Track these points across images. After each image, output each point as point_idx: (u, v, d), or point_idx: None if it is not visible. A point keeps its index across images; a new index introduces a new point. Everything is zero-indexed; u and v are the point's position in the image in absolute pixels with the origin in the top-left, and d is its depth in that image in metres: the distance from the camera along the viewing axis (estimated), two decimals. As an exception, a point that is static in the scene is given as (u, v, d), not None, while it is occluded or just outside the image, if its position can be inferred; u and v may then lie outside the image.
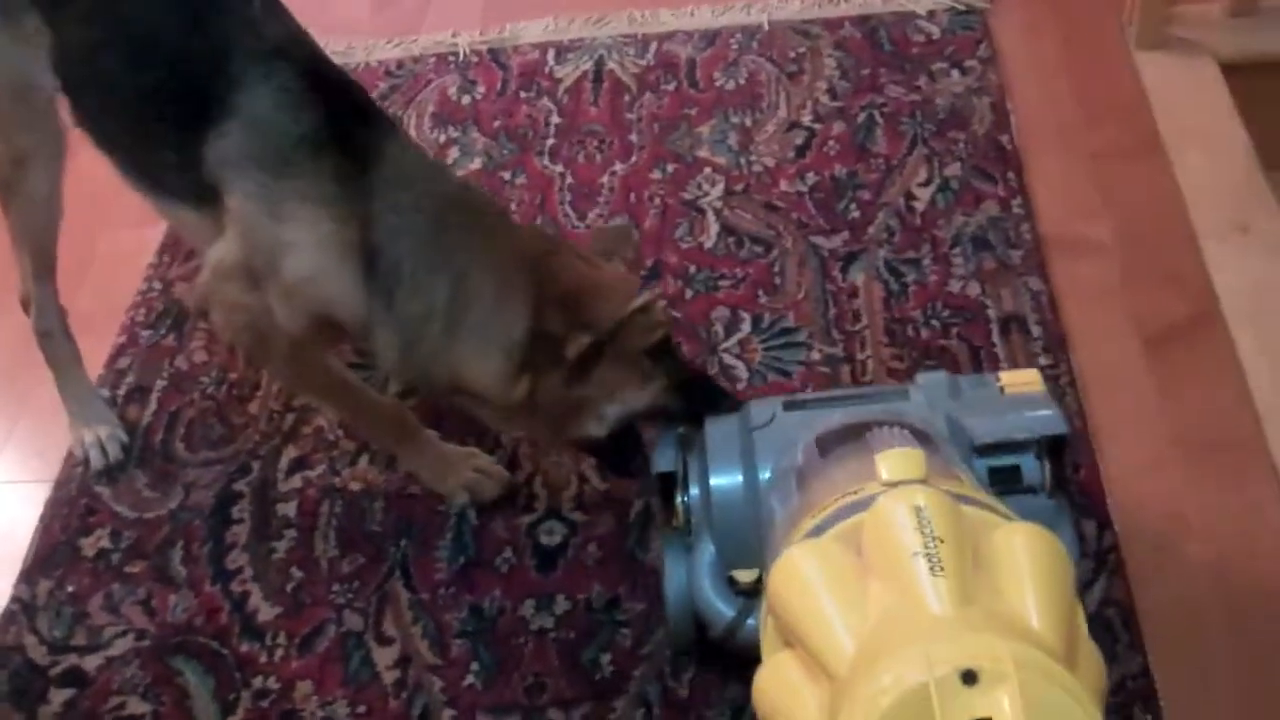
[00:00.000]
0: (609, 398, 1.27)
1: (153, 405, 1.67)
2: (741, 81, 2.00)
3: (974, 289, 1.62)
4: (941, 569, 0.78)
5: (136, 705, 1.35)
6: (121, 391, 1.69)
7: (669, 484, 1.21)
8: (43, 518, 1.56)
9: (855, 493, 0.91)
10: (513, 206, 1.83)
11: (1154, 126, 1.80)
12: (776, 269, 1.69)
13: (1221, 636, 1.25)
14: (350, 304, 1.28)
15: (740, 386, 1.54)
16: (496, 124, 2.00)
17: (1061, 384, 1.48)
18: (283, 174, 1.27)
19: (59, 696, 1.37)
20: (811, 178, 1.81)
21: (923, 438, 1.03)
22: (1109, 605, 1.27)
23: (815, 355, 1.58)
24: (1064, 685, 0.73)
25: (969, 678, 0.71)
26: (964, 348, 1.55)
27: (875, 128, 1.88)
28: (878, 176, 1.80)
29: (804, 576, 0.83)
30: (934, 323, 1.59)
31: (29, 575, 1.50)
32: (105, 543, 1.51)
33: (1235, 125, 1.78)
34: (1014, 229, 1.69)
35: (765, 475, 1.14)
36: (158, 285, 1.84)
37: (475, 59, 2.13)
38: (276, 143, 1.27)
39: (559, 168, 1.90)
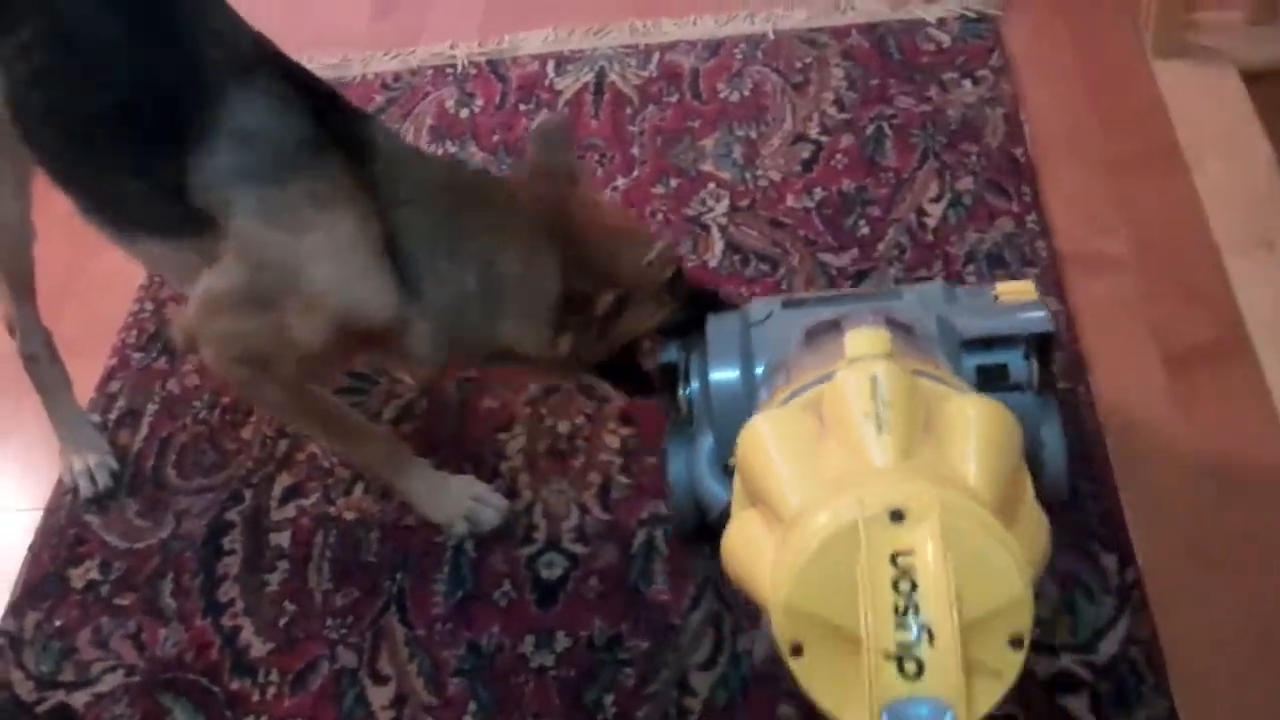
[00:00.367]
0: (635, 331, 1.33)
1: (144, 430, 1.63)
2: (746, 93, 1.95)
3: (988, 308, 1.57)
4: (889, 429, 0.85)
5: (124, 744, 1.31)
6: (113, 416, 1.65)
7: (672, 376, 1.27)
8: (32, 547, 1.53)
9: (828, 373, 0.96)
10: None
11: (1173, 137, 1.75)
12: (783, 288, 1.64)
13: (1251, 671, 1.20)
14: (383, 303, 1.25)
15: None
16: (495, 138, 1.96)
17: (1080, 407, 1.42)
18: (289, 181, 1.22)
19: (46, 735, 1.34)
20: (819, 193, 1.76)
21: (904, 329, 1.07)
22: (1133, 643, 1.21)
23: (824, 377, 1.53)
24: (988, 528, 0.77)
25: (896, 516, 0.77)
26: (978, 369, 1.51)
27: (885, 140, 1.83)
28: (887, 191, 1.75)
29: (765, 438, 0.90)
30: (947, 343, 1.54)
31: (16, 608, 1.46)
32: (94, 574, 1.48)
33: (1258, 136, 1.72)
34: (1029, 245, 1.63)
35: (760, 370, 1.19)
36: (149, 306, 1.80)
37: (474, 71, 2.09)
38: (275, 151, 1.22)
39: (560, 182, 1.85)
